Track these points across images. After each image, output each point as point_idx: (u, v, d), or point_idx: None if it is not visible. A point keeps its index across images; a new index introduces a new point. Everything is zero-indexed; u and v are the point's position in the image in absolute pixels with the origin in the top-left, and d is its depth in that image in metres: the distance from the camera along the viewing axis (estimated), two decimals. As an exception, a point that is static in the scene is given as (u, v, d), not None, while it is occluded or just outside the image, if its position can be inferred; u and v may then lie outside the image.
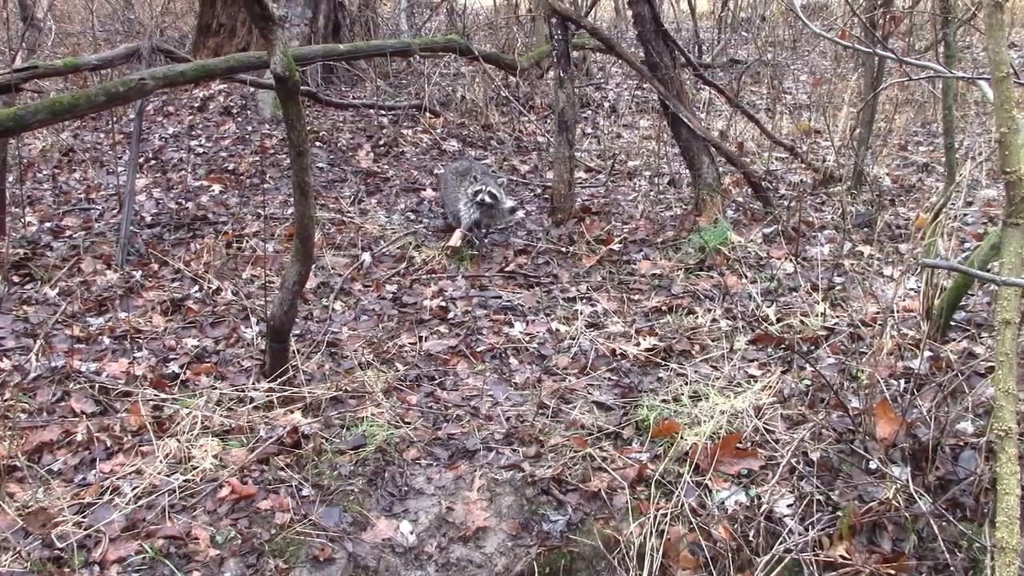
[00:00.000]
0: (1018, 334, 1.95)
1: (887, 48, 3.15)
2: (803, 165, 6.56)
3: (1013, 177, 1.95)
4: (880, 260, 5.01)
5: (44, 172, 6.67)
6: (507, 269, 5.20)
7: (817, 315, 4.36)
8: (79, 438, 3.46)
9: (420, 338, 4.38)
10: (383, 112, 7.94)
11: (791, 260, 4.97)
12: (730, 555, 3.09)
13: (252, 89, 7.51)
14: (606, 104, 8.89)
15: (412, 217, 5.96)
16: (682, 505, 3.19)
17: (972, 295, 4.28)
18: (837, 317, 4.36)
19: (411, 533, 3.13)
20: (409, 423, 3.63)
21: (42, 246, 5.26)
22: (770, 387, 3.74)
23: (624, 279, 5.02)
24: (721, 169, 5.83)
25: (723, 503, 3.22)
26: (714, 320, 4.46)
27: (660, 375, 4.01)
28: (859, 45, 3.59)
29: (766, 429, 3.49)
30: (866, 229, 5.41)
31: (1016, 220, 2.00)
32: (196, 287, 4.84)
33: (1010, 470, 1.83)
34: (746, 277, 4.90)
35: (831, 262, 4.91)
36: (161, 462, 3.31)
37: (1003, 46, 1.83)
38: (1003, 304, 1.87)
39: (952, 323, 4.03)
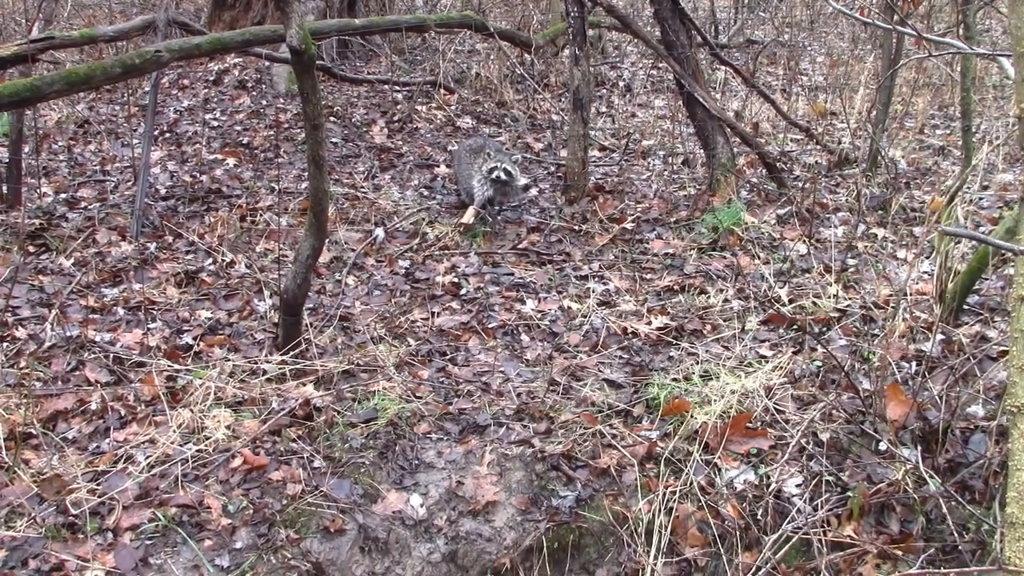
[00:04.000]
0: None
1: (907, 25, 3.12)
2: (818, 146, 6.51)
3: (1032, 155, 1.94)
4: (894, 243, 4.98)
5: (60, 143, 6.69)
6: (520, 246, 5.20)
7: (829, 296, 4.34)
8: (93, 407, 3.49)
9: (432, 313, 4.39)
10: (397, 88, 7.91)
11: (804, 241, 4.95)
12: (738, 533, 3.11)
13: (267, 63, 7.50)
14: (621, 83, 8.83)
15: (425, 193, 5.96)
16: (691, 483, 3.20)
17: (986, 279, 4.25)
18: (850, 299, 4.34)
19: (421, 506, 3.16)
20: (420, 397, 3.64)
21: (57, 217, 5.29)
22: (781, 367, 3.74)
23: (636, 258, 5.01)
24: (736, 149, 5.80)
25: (732, 482, 3.23)
26: (726, 300, 4.45)
27: (671, 354, 4.01)
28: (879, 23, 3.56)
29: (776, 409, 3.50)
30: (880, 211, 5.38)
31: (1034, 198, 1.98)
32: (210, 260, 4.86)
33: (1022, 446, 1.83)
34: (759, 258, 4.88)
35: (845, 244, 4.88)
36: (174, 432, 3.34)
37: (1026, 21, 1.81)
38: (1019, 280, 1.86)
39: (965, 307, 4.01)
